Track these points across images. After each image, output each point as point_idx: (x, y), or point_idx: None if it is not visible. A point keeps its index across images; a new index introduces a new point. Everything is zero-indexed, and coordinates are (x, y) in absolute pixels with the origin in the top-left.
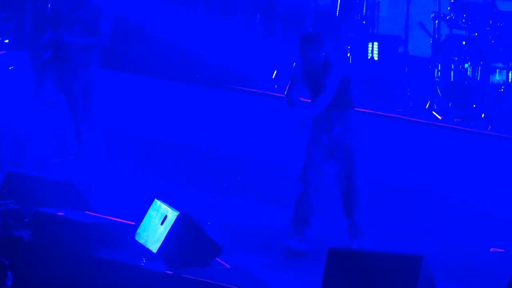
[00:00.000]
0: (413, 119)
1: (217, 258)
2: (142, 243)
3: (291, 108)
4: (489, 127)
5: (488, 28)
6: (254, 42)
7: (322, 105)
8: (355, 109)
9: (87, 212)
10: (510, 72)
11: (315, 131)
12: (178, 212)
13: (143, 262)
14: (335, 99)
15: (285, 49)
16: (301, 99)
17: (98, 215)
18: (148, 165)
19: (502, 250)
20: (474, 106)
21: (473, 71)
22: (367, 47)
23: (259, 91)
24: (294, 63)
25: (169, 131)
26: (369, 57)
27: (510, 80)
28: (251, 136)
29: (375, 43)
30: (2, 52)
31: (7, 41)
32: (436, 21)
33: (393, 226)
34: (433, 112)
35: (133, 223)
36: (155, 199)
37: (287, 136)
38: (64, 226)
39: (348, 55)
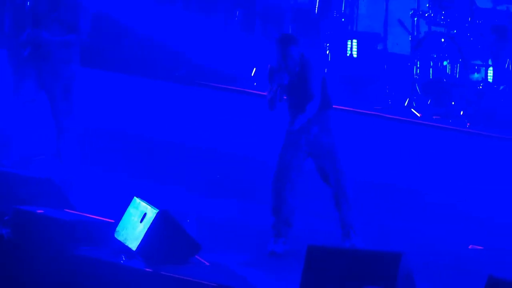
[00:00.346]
0: (392, 116)
1: (196, 256)
2: (122, 241)
3: (272, 111)
4: (468, 124)
5: (467, 25)
6: (233, 39)
7: (312, 112)
8: (333, 107)
9: (67, 210)
10: (489, 69)
11: (293, 132)
12: (158, 210)
13: (123, 260)
14: (304, 99)
15: (264, 46)
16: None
17: (78, 213)
18: (128, 162)
19: (481, 248)
20: (453, 103)
21: (452, 68)
22: (346, 44)
23: (238, 88)
24: (270, 65)
25: (148, 128)
26: (348, 55)
27: (489, 77)
28: (229, 133)
29: (354, 41)
30: None
31: None
32: (415, 18)
33: (373, 224)
34: (412, 110)
35: (113, 221)
36: (135, 197)
37: (266, 133)
38: (43, 224)
39: (327, 52)
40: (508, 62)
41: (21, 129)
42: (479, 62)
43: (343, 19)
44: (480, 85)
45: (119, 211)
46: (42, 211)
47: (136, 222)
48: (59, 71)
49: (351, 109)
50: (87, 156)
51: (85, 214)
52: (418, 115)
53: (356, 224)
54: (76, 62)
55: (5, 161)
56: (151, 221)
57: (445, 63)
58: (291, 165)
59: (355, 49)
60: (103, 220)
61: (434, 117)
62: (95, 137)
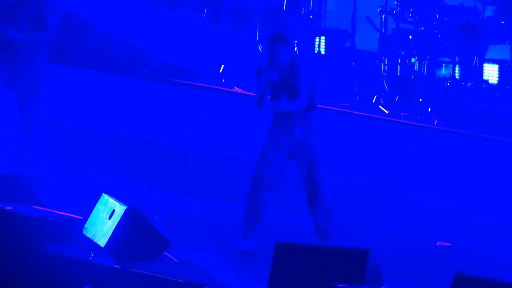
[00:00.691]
0: (359, 113)
1: (165, 252)
2: (90, 237)
3: (259, 109)
4: (436, 121)
5: (434, 22)
6: (202, 36)
7: (295, 107)
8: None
9: (35, 207)
10: (457, 66)
11: (276, 131)
12: (126, 206)
13: (91, 256)
14: (293, 99)
15: (233, 43)
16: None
17: (46, 209)
18: (96, 159)
19: (449, 244)
20: (420, 100)
21: (420, 65)
22: (314, 41)
23: (206, 85)
24: (259, 65)
25: (117, 125)
26: (316, 51)
27: (456, 74)
28: (197, 130)
29: (322, 38)
30: None
31: None
32: (383, 16)
33: (342, 220)
34: (380, 106)
35: (81, 218)
36: (103, 194)
37: (233, 129)
38: (11, 221)
39: (296, 49)
40: (476, 59)
41: None
42: (446, 59)
43: (311, 16)
44: (448, 82)
45: (87, 208)
46: (10, 208)
47: (104, 219)
48: (26, 69)
49: (319, 106)
50: (55, 152)
51: (53, 211)
52: (386, 111)
53: (334, 232)
54: (43, 59)
55: None
56: (119, 218)
57: (412, 60)
58: (272, 164)
59: (323, 46)
60: (72, 216)
61: (402, 113)
62: (62, 134)
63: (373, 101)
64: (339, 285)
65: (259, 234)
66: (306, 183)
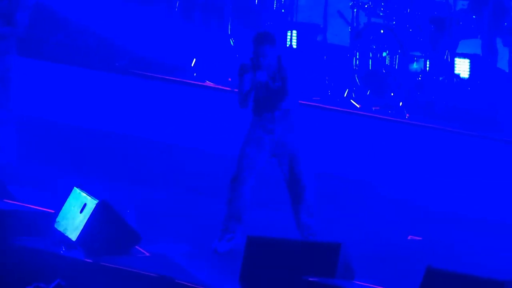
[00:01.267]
0: (331, 107)
1: (136, 246)
2: (62, 231)
3: (243, 108)
4: (407, 115)
5: (406, 17)
6: (173, 30)
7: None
8: (298, 107)
9: (6, 200)
10: (428, 60)
11: (257, 131)
12: (97, 200)
13: (62, 250)
14: (280, 100)
15: (204, 37)
16: None
17: (17, 203)
18: (68, 153)
19: (420, 238)
20: (392, 94)
21: (391, 60)
22: (286, 35)
23: (178, 79)
24: (242, 63)
25: (88, 119)
26: (287, 45)
27: (427, 68)
28: (169, 124)
29: (294, 31)
30: None
31: None
32: (355, 10)
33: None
34: (352, 101)
35: (53, 211)
36: (75, 187)
37: (205, 123)
38: None
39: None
40: (447, 53)
41: None
42: (418, 53)
43: (283, 10)
44: (419, 76)
45: (59, 202)
46: None
47: (76, 213)
48: None
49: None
50: (25, 146)
51: (24, 204)
52: (358, 106)
53: (318, 230)
54: (12, 54)
55: None
56: (91, 212)
57: (384, 54)
58: (252, 164)
59: (295, 40)
60: (43, 210)
61: (373, 108)
62: (32, 128)
63: (345, 95)
64: (310, 279)
65: (240, 234)
66: (289, 182)
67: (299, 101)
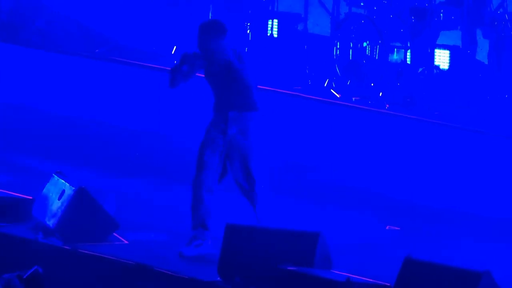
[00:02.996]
0: (311, 96)
1: (115, 234)
2: (39, 218)
3: (172, 88)
4: (387, 105)
5: (386, 7)
6: (155, 17)
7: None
8: (257, 110)
9: None
10: (408, 51)
11: (211, 131)
12: (76, 187)
13: (40, 237)
14: (233, 99)
15: (186, 24)
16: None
17: None
18: (47, 140)
19: (398, 228)
20: (372, 84)
21: (372, 50)
22: (267, 24)
23: (158, 66)
24: (195, 53)
25: (67, 106)
26: (268, 34)
27: (408, 59)
28: (150, 111)
29: (275, 20)
30: None
31: None
32: None
33: (292, 204)
34: (332, 90)
35: (31, 198)
36: (53, 174)
37: (186, 112)
38: None
39: (248, 31)
40: (427, 44)
41: None
42: (398, 44)
43: None
44: (399, 67)
45: (37, 188)
46: None
47: (54, 199)
48: None
49: (271, 88)
50: (3, 133)
51: (2, 191)
52: (338, 95)
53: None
54: None
55: None
56: (69, 199)
57: (364, 44)
58: (207, 165)
59: (276, 29)
60: (21, 197)
61: (353, 98)
62: (12, 114)
63: (325, 84)
64: (288, 268)
65: (211, 240)
66: (241, 186)
67: (257, 104)
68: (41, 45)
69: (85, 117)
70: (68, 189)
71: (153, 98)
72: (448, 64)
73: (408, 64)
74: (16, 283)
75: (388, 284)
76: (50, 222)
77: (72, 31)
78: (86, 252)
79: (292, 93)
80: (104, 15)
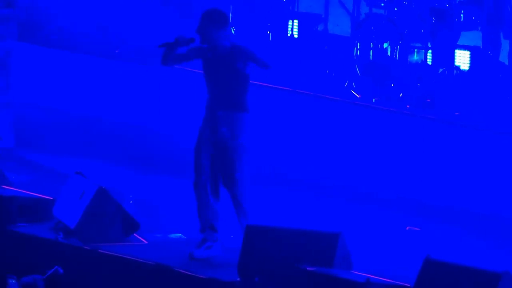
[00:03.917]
0: (331, 97)
1: (135, 234)
2: (60, 218)
3: (164, 65)
4: (407, 106)
5: (406, 8)
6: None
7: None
8: (248, 112)
9: (4, 186)
10: (428, 52)
11: (204, 131)
12: (96, 187)
13: (61, 237)
14: (223, 98)
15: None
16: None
17: (15, 189)
18: (68, 139)
19: (418, 229)
20: (392, 85)
21: (392, 51)
22: (287, 24)
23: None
24: (192, 38)
25: (87, 105)
26: (289, 35)
27: (428, 59)
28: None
29: (295, 21)
30: None
31: None
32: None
33: (313, 204)
34: (352, 91)
35: (51, 198)
36: (74, 174)
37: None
38: None
39: (268, 32)
40: (448, 45)
41: None
42: (418, 44)
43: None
44: (420, 68)
45: (58, 189)
46: None
47: (74, 199)
48: None
49: (291, 89)
50: (24, 132)
51: (23, 191)
52: (358, 96)
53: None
54: (13, 38)
55: None
56: (89, 199)
57: (385, 45)
58: (204, 167)
59: (296, 30)
60: (41, 196)
61: (373, 98)
62: (33, 114)
63: (345, 85)
64: (308, 268)
65: (220, 242)
66: (227, 186)
67: (248, 106)
68: (60, 44)
69: (105, 117)
70: (88, 189)
71: (170, 97)
72: (468, 65)
73: (428, 64)
74: (38, 283)
75: (408, 285)
76: (71, 222)
77: (91, 31)
78: (106, 252)
79: (312, 93)
80: (123, 16)
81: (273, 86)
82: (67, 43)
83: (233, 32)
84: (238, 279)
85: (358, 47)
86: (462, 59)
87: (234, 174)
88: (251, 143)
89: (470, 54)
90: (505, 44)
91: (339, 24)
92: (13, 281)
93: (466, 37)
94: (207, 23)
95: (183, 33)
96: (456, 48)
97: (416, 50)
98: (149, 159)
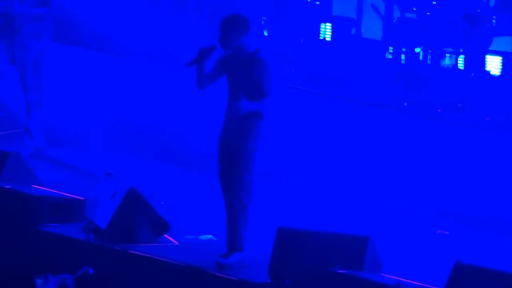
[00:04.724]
0: (363, 101)
1: (165, 235)
2: (91, 218)
3: (201, 90)
4: (439, 110)
5: (439, 12)
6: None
7: (255, 105)
8: (262, 119)
9: (35, 186)
10: (460, 56)
11: (221, 136)
12: (127, 188)
13: (92, 238)
14: (241, 103)
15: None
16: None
17: (46, 188)
18: (98, 139)
19: (448, 233)
20: (423, 90)
21: (424, 55)
22: (320, 27)
23: None
24: (213, 45)
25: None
26: (321, 38)
27: (459, 64)
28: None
29: (328, 24)
30: None
31: None
32: (388, 4)
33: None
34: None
35: (82, 198)
36: (105, 174)
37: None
38: (11, 199)
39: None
40: (479, 50)
41: None
42: (450, 49)
43: (317, 2)
44: (451, 73)
45: (89, 189)
46: (9, 186)
47: (105, 200)
48: (29, 45)
49: (323, 93)
50: (58, 132)
51: (53, 191)
52: (389, 101)
53: (239, 245)
54: (47, 37)
55: None
56: (120, 199)
57: (417, 49)
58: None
59: (329, 33)
60: (72, 197)
61: (405, 103)
62: (65, 113)
63: (377, 89)
64: (339, 271)
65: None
66: (225, 194)
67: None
68: (93, 45)
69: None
70: (120, 190)
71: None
72: (499, 70)
73: (460, 69)
74: (67, 283)
75: None
76: (101, 223)
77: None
78: (136, 253)
79: (344, 97)
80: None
81: (306, 89)
82: (99, 44)
83: (265, 34)
84: (269, 281)
85: (390, 51)
86: (494, 64)
87: (235, 177)
88: (261, 150)
89: (502, 60)
90: None
91: (372, 28)
92: (41, 281)
93: (498, 42)
94: (227, 29)
95: (202, 45)
96: (487, 54)
97: (447, 55)
98: (186, 158)
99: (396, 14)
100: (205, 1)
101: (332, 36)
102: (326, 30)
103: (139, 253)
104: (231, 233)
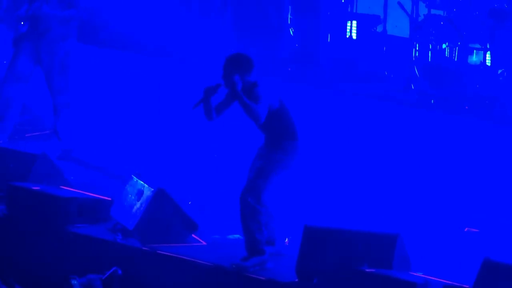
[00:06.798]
0: (389, 98)
1: (193, 235)
2: (118, 219)
3: (209, 121)
4: (466, 107)
5: (466, 8)
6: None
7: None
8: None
9: (62, 187)
10: (487, 53)
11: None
12: (155, 188)
13: (119, 238)
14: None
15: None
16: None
17: (74, 189)
18: (126, 141)
19: (477, 230)
20: (451, 86)
21: (451, 52)
22: (346, 25)
23: None
24: (218, 84)
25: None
26: (347, 36)
27: (487, 61)
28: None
29: (354, 22)
30: None
31: None
32: (415, 1)
33: (373, 205)
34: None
35: (109, 199)
36: (132, 175)
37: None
38: (39, 201)
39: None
40: (506, 46)
41: (16, 104)
42: (477, 45)
43: (343, 0)
44: (479, 69)
45: (116, 189)
46: (37, 188)
47: (133, 201)
48: (56, 47)
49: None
50: (85, 133)
51: (81, 191)
52: (416, 98)
53: (256, 249)
54: (73, 38)
55: (0, 135)
56: (148, 200)
57: (444, 46)
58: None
59: (355, 31)
60: (100, 197)
61: (432, 100)
62: (93, 114)
63: (404, 87)
64: (367, 270)
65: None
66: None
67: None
68: (117, 45)
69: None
70: (147, 190)
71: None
72: None
73: (487, 65)
74: (97, 284)
75: (467, 286)
76: (129, 223)
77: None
78: (164, 253)
79: (370, 95)
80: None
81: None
82: (123, 44)
83: (291, 33)
84: (297, 280)
85: (417, 48)
86: None
87: (249, 179)
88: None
89: None
90: None
91: (398, 25)
92: (76, 281)
93: None
94: (230, 69)
95: (207, 85)
96: None
97: (475, 51)
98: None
99: (423, 11)
100: (230, 1)
101: (358, 33)
102: (352, 28)
103: (167, 253)
104: (245, 236)
